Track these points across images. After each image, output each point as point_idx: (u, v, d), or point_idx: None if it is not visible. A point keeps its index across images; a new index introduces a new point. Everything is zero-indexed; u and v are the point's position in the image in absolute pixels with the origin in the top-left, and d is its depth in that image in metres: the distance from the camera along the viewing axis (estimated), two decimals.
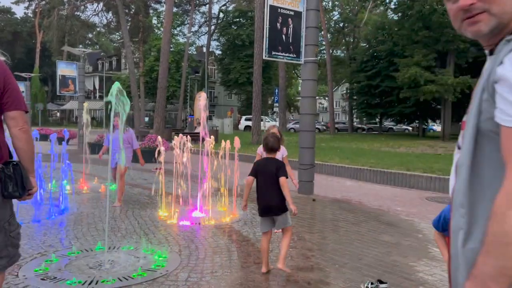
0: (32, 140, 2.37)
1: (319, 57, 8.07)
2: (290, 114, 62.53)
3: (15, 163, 2.24)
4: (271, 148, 3.86)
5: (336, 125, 41.85)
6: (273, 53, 7.59)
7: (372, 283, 3.39)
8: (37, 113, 42.16)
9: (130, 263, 3.96)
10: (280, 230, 3.87)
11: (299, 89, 70.56)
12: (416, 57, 26.31)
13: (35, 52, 56.93)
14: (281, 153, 4.75)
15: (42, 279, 3.50)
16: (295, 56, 7.83)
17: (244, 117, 44.12)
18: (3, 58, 2.32)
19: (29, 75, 37.23)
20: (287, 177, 3.72)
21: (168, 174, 10.89)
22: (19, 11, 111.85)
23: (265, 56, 7.56)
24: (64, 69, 19.97)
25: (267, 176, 3.71)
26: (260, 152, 4.91)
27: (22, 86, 32.41)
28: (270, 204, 3.68)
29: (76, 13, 47.15)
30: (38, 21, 55.97)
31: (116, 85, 4.04)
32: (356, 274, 3.80)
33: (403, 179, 9.52)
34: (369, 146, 19.81)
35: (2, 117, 2.26)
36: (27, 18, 62.41)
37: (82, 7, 45.39)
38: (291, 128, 42.34)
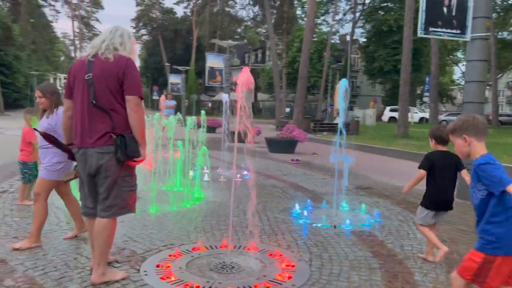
0: (141, 119, 2.96)
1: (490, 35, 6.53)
2: (442, 105, 56.73)
3: (122, 135, 2.89)
4: (446, 141, 3.70)
5: (500, 118, 36.30)
6: (431, 29, 6.37)
7: None
8: (192, 104, 46.09)
9: (254, 268, 3.50)
10: None
11: (454, 77, 63.57)
12: None
13: (191, 48, 62.47)
14: None
15: (161, 278, 3.25)
16: (459, 32, 6.46)
17: (388, 108, 41.41)
18: (127, 56, 3.00)
19: (185, 68, 40.85)
20: None
21: (306, 166, 10.44)
22: (179, 10, 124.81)
23: (420, 33, 6.39)
24: (212, 61, 21.03)
25: (446, 170, 3.69)
26: None
27: (178, 79, 35.65)
28: (449, 199, 3.74)
29: (225, 8, 50.09)
30: (195, 19, 61.25)
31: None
32: None
33: None
34: None
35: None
36: (186, 17, 68.80)
37: (231, 1, 47.89)
38: (443, 120, 38.18)
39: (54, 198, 5.87)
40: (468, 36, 6.46)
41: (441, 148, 3.74)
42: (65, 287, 3.04)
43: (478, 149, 2.32)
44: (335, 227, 4.87)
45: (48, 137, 3.41)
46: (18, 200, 5.60)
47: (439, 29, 6.42)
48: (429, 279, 3.38)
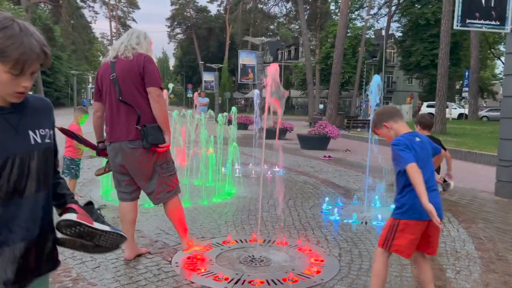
0: (163, 108, 3.22)
1: None
2: (483, 101, 54.58)
3: (144, 126, 3.15)
4: (431, 126, 4.41)
5: None
6: (468, 21, 6.15)
7: None
8: (225, 101, 46.53)
9: (283, 263, 3.52)
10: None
11: (496, 71, 60.91)
12: None
13: (225, 46, 62.98)
14: None
15: (191, 269, 3.34)
16: (498, 23, 6.21)
17: (425, 104, 40.20)
18: (145, 53, 3.25)
19: (219, 66, 41.19)
20: None
21: (338, 163, 10.33)
22: (213, 8, 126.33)
23: (457, 26, 6.19)
24: (244, 58, 21.19)
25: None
26: None
27: (211, 77, 36.09)
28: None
29: (258, 5, 50.12)
30: (228, 17, 61.67)
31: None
32: None
33: None
34: None
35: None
36: (219, 15, 69.39)
37: None
38: (484, 116, 36.75)
39: (92, 194, 6.12)
40: (508, 28, 6.20)
41: (426, 133, 4.13)
42: (101, 275, 3.18)
43: (399, 129, 2.66)
44: (366, 223, 4.83)
45: (66, 133, 3.56)
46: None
47: (476, 21, 6.20)
48: (462, 277, 3.30)
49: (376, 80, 5.49)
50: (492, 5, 6.17)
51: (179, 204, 3.50)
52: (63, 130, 3.62)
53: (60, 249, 3.76)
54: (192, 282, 3.10)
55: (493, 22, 6.23)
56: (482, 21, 6.22)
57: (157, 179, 3.30)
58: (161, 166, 3.30)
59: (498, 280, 3.27)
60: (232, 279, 3.15)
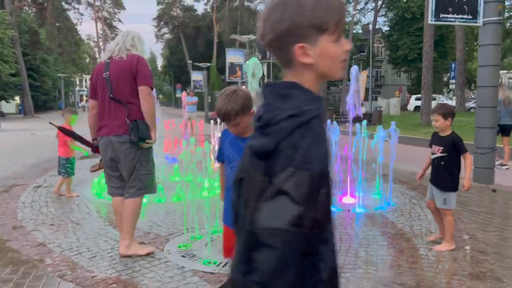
0: (152, 105, 3.41)
1: (504, 17, 6.50)
2: (471, 92, 55.30)
3: (135, 120, 3.30)
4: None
5: None
6: (442, 16, 6.43)
7: None
8: (214, 100, 46.55)
9: None
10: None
11: None
12: None
13: (213, 44, 62.99)
14: None
15: (182, 256, 3.56)
16: (470, 17, 6.50)
17: (414, 97, 40.72)
18: (138, 54, 3.46)
19: (206, 65, 41.21)
20: None
21: None
22: (200, 7, 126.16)
23: (431, 21, 6.45)
24: (232, 56, 21.38)
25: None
26: None
27: (200, 76, 36.10)
28: None
29: (245, 3, 50.22)
30: (215, 15, 61.67)
31: (253, 59, 3.88)
32: None
33: None
34: None
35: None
36: (206, 14, 69.33)
37: None
38: (471, 107, 37.28)
39: (86, 191, 6.31)
40: (480, 21, 6.49)
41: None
42: (97, 263, 3.39)
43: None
44: (348, 210, 5.09)
45: (64, 131, 3.77)
46: (66, 192, 5.99)
47: (450, 16, 6.48)
48: (433, 253, 3.57)
49: (355, 72, 5.70)
50: None
51: (139, 207, 3.54)
52: (61, 129, 3.85)
53: (58, 241, 3.94)
54: (183, 267, 3.32)
55: (465, 16, 6.51)
56: (455, 15, 6.49)
57: (134, 175, 3.43)
58: (141, 163, 3.44)
59: (466, 255, 3.54)
60: (220, 263, 3.38)
